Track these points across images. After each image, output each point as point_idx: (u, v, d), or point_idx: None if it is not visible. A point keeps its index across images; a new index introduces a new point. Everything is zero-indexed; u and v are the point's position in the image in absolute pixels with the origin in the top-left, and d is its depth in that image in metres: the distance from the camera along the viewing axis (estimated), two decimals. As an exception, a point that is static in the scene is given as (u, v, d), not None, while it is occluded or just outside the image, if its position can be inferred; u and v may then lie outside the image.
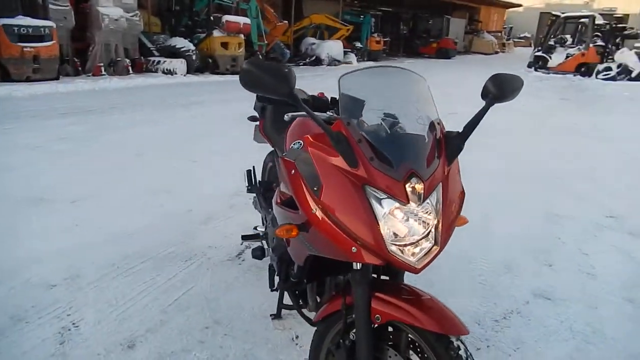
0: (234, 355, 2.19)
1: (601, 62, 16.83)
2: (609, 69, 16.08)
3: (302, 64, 17.18)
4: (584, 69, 17.04)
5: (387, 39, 23.61)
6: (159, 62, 12.93)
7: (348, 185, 1.38)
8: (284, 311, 2.47)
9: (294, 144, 1.75)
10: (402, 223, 1.34)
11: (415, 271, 1.35)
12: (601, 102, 12.35)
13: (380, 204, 1.34)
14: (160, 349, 2.22)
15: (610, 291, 2.86)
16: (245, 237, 2.61)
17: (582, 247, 3.50)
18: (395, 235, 1.34)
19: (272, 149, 2.74)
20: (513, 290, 2.83)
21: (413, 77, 1.56)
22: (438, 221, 1.38)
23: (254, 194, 2.91)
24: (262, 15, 14.92)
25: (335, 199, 1.39)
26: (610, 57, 17.04)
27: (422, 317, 1.41)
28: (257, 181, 2.90)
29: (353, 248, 1.38)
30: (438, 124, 1.49)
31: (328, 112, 1.74)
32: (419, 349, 1.54)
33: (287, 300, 2.34)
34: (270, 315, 2.47)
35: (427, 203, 1.35)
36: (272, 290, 2.35)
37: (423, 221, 1.35)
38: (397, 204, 1.33)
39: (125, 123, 7.21)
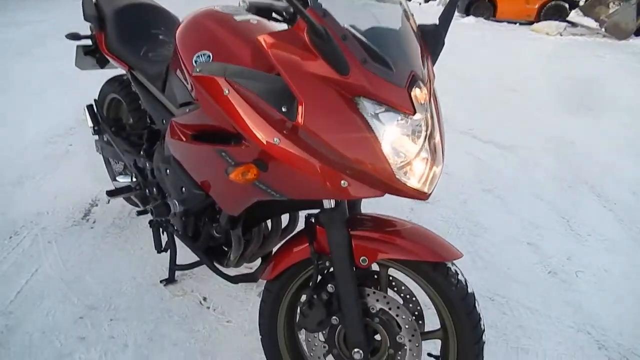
0: (135, 343, 1.71)
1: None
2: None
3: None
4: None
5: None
6: None
7: (336, 99, 1.02)
8: (177, 272, 2.02)
9: (200, 55, 1.28)
10: (407, 140, 1.06)
11: (425, 197, 1.11)
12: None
13: (379, 119, 1.03)
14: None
15: (469, 186, 3.11)
16: (111, 193, 1.99)
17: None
18: (399, 156, 1.06)
19: (121, 72, 2.09)
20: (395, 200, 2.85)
21: None
22: (440, 134, 1.14)
23: (97, 136, 2.23)
24: None
25: (319, 119, 1.03)
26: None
27: (416, 249, 1.20)
28: (105, 119, 2.21)
29: (343, 182, 1.06)
30: (412, 15, 1.19)
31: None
32: (394, 283, 1.35)
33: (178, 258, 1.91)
34: (161, 281, 2.00)
35: (428, 112, 1.09)
36: (159, 252, 1.87)
37: (426, 135, 1.09)
38: (399, 117, 1.04)
39: None
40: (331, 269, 1.27)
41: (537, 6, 10.93)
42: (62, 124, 3.55)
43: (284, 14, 1.10)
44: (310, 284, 1.29)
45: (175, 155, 1.47)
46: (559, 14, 10.64)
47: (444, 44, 1.20)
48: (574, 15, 10.50)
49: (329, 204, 1.22)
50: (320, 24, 0.97)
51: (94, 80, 4.15)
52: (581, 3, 10.97)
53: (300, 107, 1.02)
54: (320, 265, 1.27)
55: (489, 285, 2.06)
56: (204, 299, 1.93)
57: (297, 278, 1.36)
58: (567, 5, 10.85)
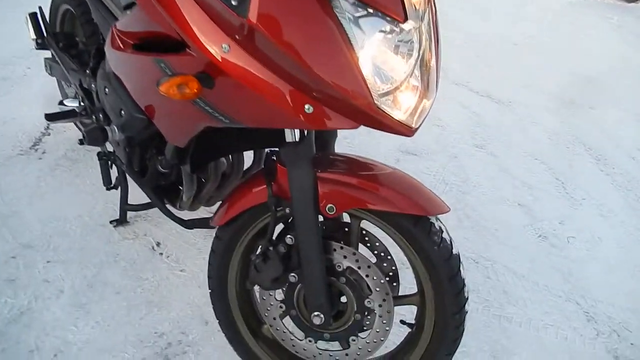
0: (72, 288, 1.51)
1: None
2: None
3: None
4: None
5: None
6: None
7: None
8: (129, 214, 1.80)
9: None
10: (394, 57, 0.82)
11: (410, 133, 0.88)
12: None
13: (359, 25, 0.78)
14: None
15: (461, 140, 2.89)
16: (51, 117, 1.73)
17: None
18: (383, 79, 0.82)
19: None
20: (383, 151, 2.63)
21: None
22: (436, 57, 0.90)
23: (50, 51, 1.93)
24: None
25: (279, 17, 0.78)
26: None
27: (395, 199, 1.00)
28: (51, 32, 1.91)
29: (307, 106, 0.83)
30: None
31: None
32: (367, 238, 1.15)
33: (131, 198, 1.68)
34: (111, 221, 1.78)
35: (424, 23, 0.85)
36: (108, 189, 1.65)
37: (419, 55, 0.85)
38: (386, 25, 0.79)
39: None
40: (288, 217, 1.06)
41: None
42: (24, 45, 3.22)
43: None
44: (267, 233, 1.08)
45: (116, 70, 1.21)
46: (569, -29, 10.14)
47: None
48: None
49: (292, 137, 0.98)
50: None
51: None
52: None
53: (251, 1, 0.77)
54: (279, 211, 1.05)
55: (474, 247, 1.89)
56: (157, 244, 1.73)
57: (252, 225, 1.14)
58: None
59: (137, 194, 1.61)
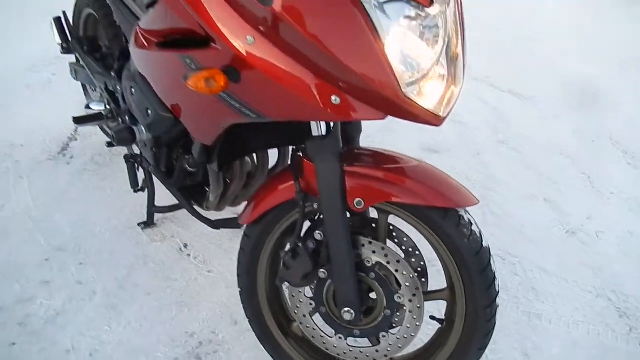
0: (104, 290, 1.54)
1: None
2: None
3: None
4: None
5: None
6: None
7: None
8: (156, 216, 1.83)
9: None
10: (420, 44, 0.82)
11: (439, 123, 0.88)
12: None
13: (384, 11, 0.78)
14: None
15: (484, 137, 2.87)
16: (79, 120, 1.76)
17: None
18: (410, 66, 0.82)
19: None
20: (404, 148, 2.62)
21: None
22: (462, 44, 0.90)
23: (75, 55, 1.98)
24: None
25: (304, 5, 0.78)
26: None
27: (423, 191, 0.99)
28: (76, 36, 1.95)
29: (334, 97, 0.83)
30: None
31: None
32: (394, 233, 1.14)
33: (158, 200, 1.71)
34: (139, 224, 1.81)
35: (448, 8, 0.84)
36: (136, 191, 1.68)
37: (445, 41, 0.85)
38: (412, 9, 0.79)
39: None
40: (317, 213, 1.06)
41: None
42: (49, 51, 3.30)
43: None
44: (295, 229, 1.08)
45: (141, 69, 1.23)
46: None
47: None
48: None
49: (318, 131, 0.99)
50: None
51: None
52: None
53: None
54: (307, 207, 1.06)
55: (501, 244, 1.87)
56: (185, 245, 1.75)
57: (280, 222, 1.15)
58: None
59: (163, 197, 1.65)
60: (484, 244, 1.03)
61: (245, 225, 1.21)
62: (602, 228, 2.02)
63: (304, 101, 0.85)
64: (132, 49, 1.22)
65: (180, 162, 1.38)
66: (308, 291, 1.17)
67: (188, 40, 1.00)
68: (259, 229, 1.18)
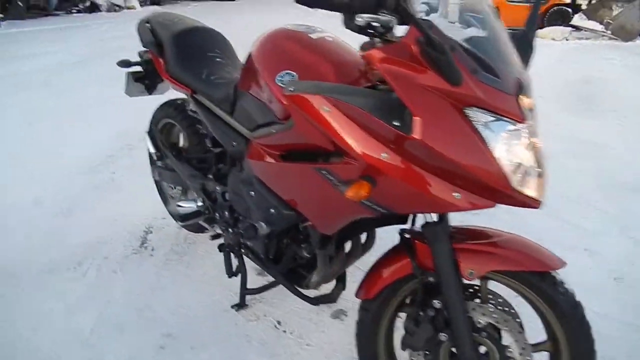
0: (217, 371, 1.70)
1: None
2: None
3: (75, 11, 14.47)
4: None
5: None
6: None
7: (448, 110, 1.05)
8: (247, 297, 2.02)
9: (284, 75, 1.31)
10: (518, 147, 1.07)
11: (538, 205, 1.12)
12: None
13: (490, 128, 1.05)
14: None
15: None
16: (184, 218, 1.99)
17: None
18: (513, 164, 1.07)
19: (173, 97, 2.14)
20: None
21: None
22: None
23: (159, 163, 2.25)
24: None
25: (434, 130, 1.05)
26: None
27: (521, 259, 1.22)
28: (167, 144, 2.23)
29: (455, 194, 1.08)
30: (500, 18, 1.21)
31: None
32: (490, 296, 1.35)
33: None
34: (233, 306, 2.00)
35: (532, 119, 1.11)
36: (230, 276, 1.89)
37: (533, 143, 1.11)
38: (509, 125, 1.05)
39: None
40: (432, 285, 1.27)
41: (540, 12, 11.02)
42: (99, 153, 3.58)
43: (380, 27, 1.11)
44: (414, 301, 1.30)
45: (260, 176, 1.48)
46: (563, 19, 10.71)
47: (533, 48, 1.23)
48: (578, 20, 10.57)
49: (430, 217, 1.23)
50: (436, 37, 1.00)
51: (115, 110, 4.18)
52: (583, 7, 11.07)
53: (416, 120, 1.04)
54: (425, 281, 1.27)
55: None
56: (279, 322, 1.93)
57: (396, 295, 1.37)
58: (570, 10, 10.94)
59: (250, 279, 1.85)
60: (577, 298, 1.24)
61: (360, 301, 1.41)
62: (643, 271, 2.21)
63: (432, 199, 1.10)
64: (250, 160, 1.48)
65: (292, 250, 1.60)
66: (423, 356, 1.35)
67: (314, 153, 1.26)
68: (377, 302, 1.38)
